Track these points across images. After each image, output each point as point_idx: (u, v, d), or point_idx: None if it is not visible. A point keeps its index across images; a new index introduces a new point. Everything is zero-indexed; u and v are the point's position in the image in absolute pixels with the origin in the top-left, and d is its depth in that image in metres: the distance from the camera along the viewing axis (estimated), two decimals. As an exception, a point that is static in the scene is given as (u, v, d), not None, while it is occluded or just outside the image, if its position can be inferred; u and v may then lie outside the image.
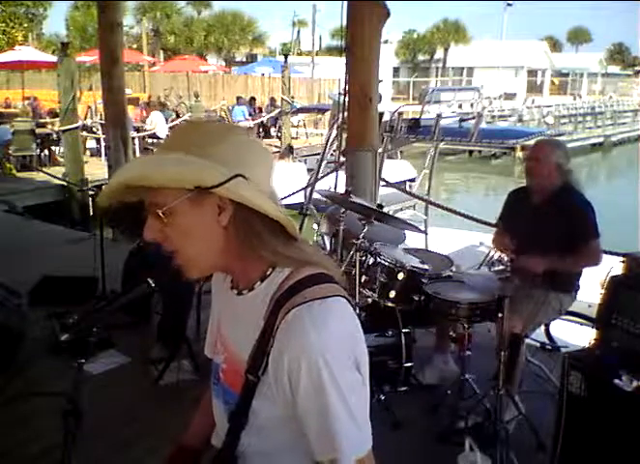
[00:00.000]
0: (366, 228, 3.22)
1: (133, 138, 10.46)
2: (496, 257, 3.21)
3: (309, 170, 9.78)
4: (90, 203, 9.77)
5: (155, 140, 13.28)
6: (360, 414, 0.98)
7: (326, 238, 4.50)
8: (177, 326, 3.53)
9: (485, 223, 4.98)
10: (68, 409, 1.30)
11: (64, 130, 9.82)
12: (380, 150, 5.28)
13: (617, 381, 2.22)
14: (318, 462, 1.00)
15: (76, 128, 9.93)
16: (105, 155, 8.42)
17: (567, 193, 3.12)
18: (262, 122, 17.11)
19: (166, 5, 38.28)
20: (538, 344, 3.89)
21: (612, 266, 2.82)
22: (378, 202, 4.08)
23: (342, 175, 4.92)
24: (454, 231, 7.63)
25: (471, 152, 23.97)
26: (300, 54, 41.80)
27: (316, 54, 31.27)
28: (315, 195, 5.93)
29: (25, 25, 29.40)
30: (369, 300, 3.28)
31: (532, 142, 3.97)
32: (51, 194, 10.44)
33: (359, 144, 4.59)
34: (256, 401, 1.02)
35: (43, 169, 10.69)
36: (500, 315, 2.70)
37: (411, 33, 46.35)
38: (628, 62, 66.38)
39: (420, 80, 37.22)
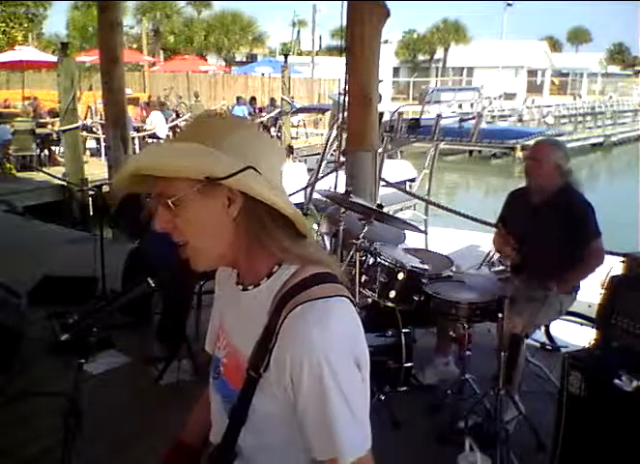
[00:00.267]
0: (366, 228, 3.22)
1: (133, 138, 10.47)
2: (496, 257, 3.22)
3: (309, 170, 9.78)
4: (90, 203, 9.80)
5: (155, 140, 13.27)
6: (360, 414, 0.98)
7: (326, 238, 4.51)
8: (177, 326, 3.53)
9: (485, 223, 4.98)
10: (68, 409, 1.30)
11: (64, 130, 9.82)
12: (380, 150, 5.29)
13: (617, 381, 2.22)
14: (318, 461, 1.00)
15: (76, 128, 9.92)
16: (105, 155, 8.43)
17: (567, 193, 3.12)
18: (262, 122, 17.11)
19: (166, 5, 38.29)
20: (538, 344, 3.89)
21: (612, 266, 2.83)
22: (378, 202, 4.08)
23: (342, 175, 4.92)
24: (454, 231, 7.64)
25: (471, 152, 23.99)
26: (300, 54, 41.78)
27: (316, 54, 31.25)
28: (315, 195, 5.95)
29: (25, 25, 29.43)
30: (369, 300, 3.28)
31: (532, 142, 3.97)
32: (51, 194, 10.44)
33: (359, 144, 4.60)
34: (256, 398, 1.02)
35: (43, 169, 10.68)
36: (500, 315, 2.70)
37: (411, 33, 46.39)
38: (628, 62, 66.38)
39: (420, 80, 37.22)
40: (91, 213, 9.72)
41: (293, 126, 17.73)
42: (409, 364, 3.13)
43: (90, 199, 9.78)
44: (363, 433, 0.99)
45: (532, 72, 42.53)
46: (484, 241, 5.48)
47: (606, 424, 2.28)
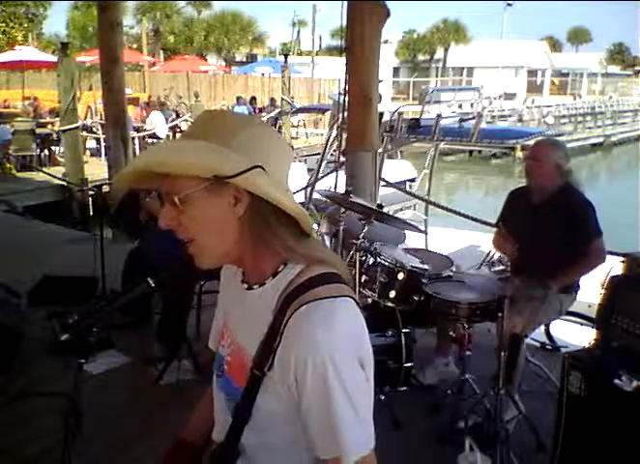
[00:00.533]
0: (366, 228, 3.22)
1: (133, 138, 10.46)
2: (496, 257, 3.22)
3: (309, 170, 9.78)
4: (90, 203, 9.80)
5: (155, 140, 13.28)
6: (364, 413, 0.98)
7: (326, 238, 4.50)
8: (177, 326, 3.53)
9: (485, 223, 4.98)
10: (68, 409, 1.30)
11: (64, 130, 9.82)
12: (380, 150, 5.28)
13: (617, 381, 2.22)
14: (321, 460, 1.00)
15: (76, 128, 9.92)
16: (105, 155, 8.42)
17: (567, 193, 3.12)
18: (262, 122, 17.07)
19: (166, 5, 38.29)
20: (538, 344, 3.89)
21: (612, 266, 2.83)
22: (378, 202, 4.08)
23: (342, 175, 4.92)
24: (454, 231, 7.64)
25: (471, 152, 23.99)
26: (300, 54, 41.78)
27: (316, 54, 31.25)
28: (315, 195, 5.95)
29: (25, 25, 29.42)
30: (369, 300, 3.28)
31: (532, 142, 3.97)
32: (51, 194, 10.44)
33: (359, 144, 4.60)
34: (260, 397, 1.02)
35: (44, 169, 10.69)
36: (500, 315, 2.70)
37: (411, 33, 46.38)
38: (628, 62, 66.37)
39: (420, 80, 37.22)
40: (91, 213, 9.71)
41: (293, 126, 17.73)
42: (409, 364, 3.13)
43: (90, 199, 9.78)
44: (367, 432, 0.99)
45: (532, 72, 42.53)
46: (484, 241, 5.47)
47: (606, 424, 2.28)
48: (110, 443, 2.83)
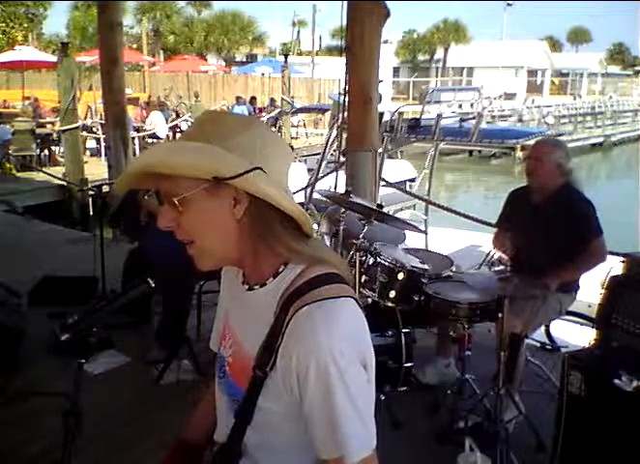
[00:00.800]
0: (366, 228, 3.22)
1: (133, 138, 10.46)
2: (496, 257, 3.22)
3: (309, 170, 9.78)
4: (90, 203, 9.79)
5: (155, 140, 13.28)
6: (366, 414, 0.98)
7: (326, 238, 4.50)
8: (177, 326, 3.53)
9: (485, 223, 4.98)
10: (68, 409, 1.31)
11: (64, 130, 9.82)
12: (380, 150, 5.28)
13: (617, 381, 2.22)
14: (322, 460, 1.00)
15: (76, 128, 9.93)
16: (105, 155, 8.42)
17: (568, 193, 3.12)
18: (262, 122, 17.07)
19: (166, 5, 38.26)
20: (539, 344, 3.89)
21: (612, 266, 2.82)
22: (378, 202, 4.08)
23: (342, 175, 4.92)
24: (454, 231, 7.64)
25: (471, 152, 23.98)
26: (300, 54, 41.80)
27: (316, 54, 31.29)
28: (315, 195, 5.94)
29: (25, 25, 29.41)
30: (369, 300, 3.28)
31: (532, 142, 3.97)
32: (51, 194, 10.44)
33: (359, 144, 4.59)
34: (262, 397, 1.02)
35: (43, 169, 10.69)
36: (500, 315, 2.70)
37: (411, 33, 46.35)
38: (628, 62, 66.34)
39: (420, 80, 37.22)
40: (91, 213, 9.71)
41: (293, 126, 17.74)
42: (409, 364, 3.13)
43: (90, 199, 9.78)
44: (369, 433, 0.99)
45: (532, 72, 42.50)
46: (484, 241, 5.47)
47: (606, 424, 2.28)
48: (110, 443, 2.83)
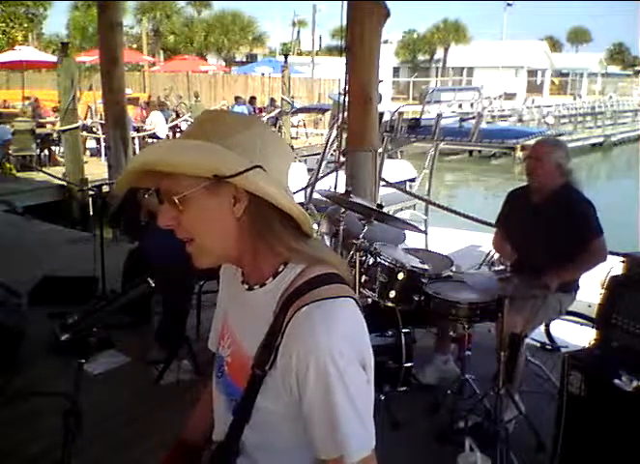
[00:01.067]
0: (366, 228, 3.22)
1: (133, 138, 10.47)
2: (496, 257, 3.22)
3: (309, 170, 9.78)
4: (90, 203, 9.80)
5: (154, 140, 13.27)
6: (365, 414, 0.98)
7: (326, 238, 4.50)
8: (177, 326, 3.53)
9: (485, 223, 4.99)
10: (68, 409, 1.31)
11: (64, 130, 9.82)
12: (380, 150, 5.28)
13: (617, 381, 2.22)
14: (321, 460, 1.00)
15: (76, 128, 9.93)
16: (105, 155, 8.42)
17: (568, 193, 3.12)
18: (262, 122, 17.05)
19: (166, 5, 38.26)
20: (539, 344, 3.89)
21: (612, 266, 2.83)
22: (378, 202, 4.08)
23: (342, 175, 4.92)
24: (454, 231, 7.64)
25: (471, 152, 23.98)
26: (300, 54, 41.80)
27: (316, 54, 31.29)
28: (315, 195, 5.94)
29: (25, 25, 29.39)
30: (369, 300, 3.28)
31: (532, 142, 3.97)
32: (51, 194, 10.44)
33: (359, 144, 4.59)
34: (261, 396, 1.02)
35: (43, 169, 10.69)
36: (500, 315, 2.70)
37: (411, 33, 46.34)
38: (628, 62, 66.32)
39: (420, 80, 37.21)
40: (91, 213, 9.71)
41: (293, 126, 17.73)
42: (409, 364, 3.13)
43: (90, 199, 9.78)
44: (368, 433, 0.99)
45: (532, 72, 42.50)
46: (484, 241, 5.47)
47: (606, 424, 2.28)
48: (110, 443, 2.84)
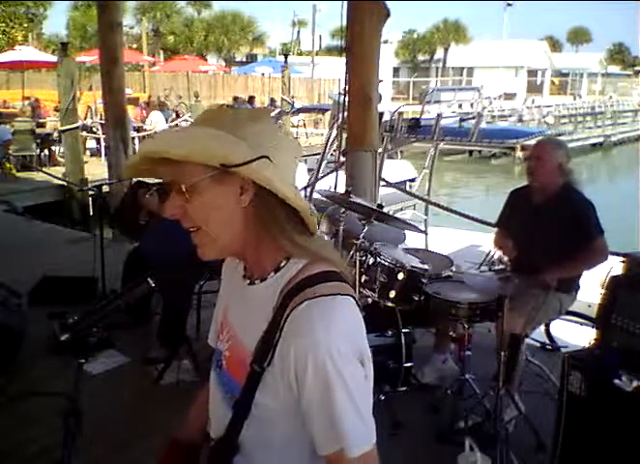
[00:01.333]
0: (366, 228, 3.22)
1: (133, 138, 10.46)
2: (496, 257, 3.21)
3: (309, 170, 9.78)
4: (90, 203, 9.80)
5: (155, 140, 13.25)
6: (364, 408, 0.99)
7: (326, 238, 4.51)
8: (177, 326, 3.53)
9: (485, 223, 4.99)
10: (68, 409, 1.30)
11: (64, 130, 9.82)
12: (380, 150, 5.29)
13: (617, 381, 2.22)
14: (320, 457, 1.00)
15: (76, 128, 9.92)
16: (105, 155, 8.43)
17: (568, 193, 3.12)
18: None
19: (166, 5, 38.27)
20: (538, 344, 3.89)
21: (612, 266, 2.82)
22: (378, 202, 4.08)
23: (342, 175, 4.92)
24: (454, 231, 7.64)
25: (471, 152, 23.98)
26: (300, 54, 41.80)
27: (316, 54, 31.25)
28: (315, 195, 5.94)
29: (25, 25, 29.39)
30: (369, 300, 3.28)
31: (532, 142, 3.98)
32: (51, 194, 10.45)
33: (359, 144, 4.59)
34: (259, 392, 1.02)
35: (43, 169, 10.69)
36: (500, 315, 2.70)
37: (411, 33, 46.36)
38: (628, 62, 66.34)
39: (420, 80, 37.22)
40: (91, 213, 9.72)
41: (293, 126, 17.72)
42: (409, 364, 3.13)
43: (90, 199, 9.78)
44: (368, 427, 0.99)
45: (532, 72, 42.50)
46: (484, 241, 5.48)
47: (606, 424, 2.28)
48: (110, 443, 2.84)
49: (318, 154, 9.49)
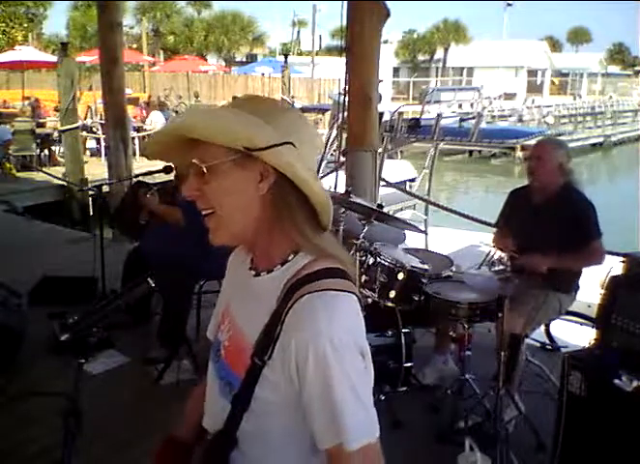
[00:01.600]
0: (366, 228, 3.22)
1: (133, 138, 10.46)
2: (496, 257, 3.21)
3: (309, 170, 9.77)
4: (90, 203, 9.80)
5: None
6: (366, 400, 0.98)
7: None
8: (177, 326, 3.53)
9: (485, 223, 4.99)
10: (68, 409, 1.30)
11: (64, 130, 9.82)
12: (380, 150, 5.29)
13: (617, 381, 2.22)
14: (320, 450, 1.00)
15: (76, 128, 9.92)
16: (105, 155, 8.43)
17: (569, 193, 3.12)
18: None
19: (166, 5, 38.29)
20: (538, 344, 3.89)
21: (612, 266, 2.83)
22: (378, 202, 4.08)
23: (342, 175, 4.92)
24: (454, 231, 7.64)
25: (471, 152, 23.98)
26: (300, 54, 41.81)
27: (316, 54, 31.25)
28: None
29: (25, 25, 29.41)
30: (369, 300, 3.28)
31: (532, 142, 3.98)
32: (51, 194, 10.45)
33: (359, 144, 4.59)
34: (259, 386, 1.01)
35: (43, 169, 10.69)
36: (500, 315, 2.70)
37: (411, 33, 46.35)
38: (628, 62, 66.33)
39: (420, 80, 37.21)
40: (91, 213, 9.72)
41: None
42: (409, 364, 3.13)
43: (90, 199, 9.78)
44: (370, 419, 0.98)
45: (532, 72, 42.49)
46: (484, 241, 5.47)
47: (606, 424, 2.28)
48: (110, 443, 2.84)
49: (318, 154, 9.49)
